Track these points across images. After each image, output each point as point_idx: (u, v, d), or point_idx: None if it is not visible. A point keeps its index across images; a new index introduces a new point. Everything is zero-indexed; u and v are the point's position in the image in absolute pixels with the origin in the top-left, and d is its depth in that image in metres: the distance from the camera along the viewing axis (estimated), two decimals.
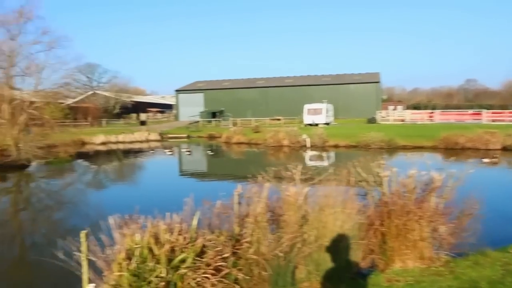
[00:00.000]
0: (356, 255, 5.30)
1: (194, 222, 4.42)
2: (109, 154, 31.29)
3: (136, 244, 4.05)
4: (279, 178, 5.84)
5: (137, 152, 32.26)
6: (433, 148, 24.46)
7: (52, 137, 23.86)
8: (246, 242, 4.50)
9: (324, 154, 25.44)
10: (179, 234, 4.20)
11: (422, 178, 5.72)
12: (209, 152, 30.49)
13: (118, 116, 68.64)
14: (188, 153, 29.20)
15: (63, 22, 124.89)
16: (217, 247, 4.27)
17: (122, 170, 23.36)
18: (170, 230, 4.23)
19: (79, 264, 4.09)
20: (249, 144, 33.02)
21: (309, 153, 25.91)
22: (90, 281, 4.01)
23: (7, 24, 21.61)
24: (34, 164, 21.47)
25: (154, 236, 4.18)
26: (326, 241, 4.93)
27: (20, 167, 20.30)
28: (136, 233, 4.20)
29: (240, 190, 4.95)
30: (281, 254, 4.50)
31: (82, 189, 16.58)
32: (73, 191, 16.25)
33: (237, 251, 4.48)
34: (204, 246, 4.22)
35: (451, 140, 24.66)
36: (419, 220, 5.38)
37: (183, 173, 21.47)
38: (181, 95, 66.51)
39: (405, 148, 25.13)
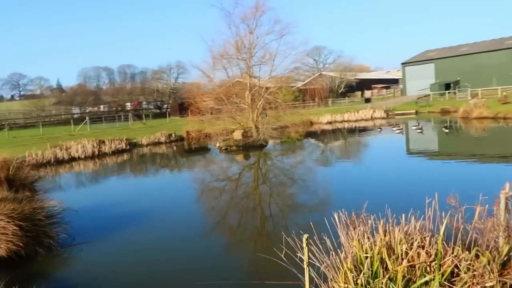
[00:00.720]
0: None
1: (441, 232, 3.35)
2: (335, 133, 31.93)
3: (365, 253, 3.34)
4: None
5: (362, 130, 31.72)
6: None
7: (284, 118, 25.99)
8: None
9: None
10: (420, 247, 3.24)
11: None
12: (444, 130, 26.87)
13: (343, 95, 70.09)
14: (419, 130, 26.52)
15: (289, 8, 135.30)
16: (475, 271, 3.11)
17: (347, 149, 23.28)
18: (408, 241, 3.31)
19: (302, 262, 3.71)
20: (495, 118, 27.60)
21: None
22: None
23: (247, 20, 24.36)
24: (270, 143, 23.88)
25: (387, 246, 3.36)
26: None
27: (259, 146, 22.98)
28: (365, 237, 3.49)
29: (508, 192, 3.52)
30: None
31: (310, 167, 17.28)
32: (302, 169, 17.15)
33: (506, 279, 3.18)
34: (456, 267, 3.14)
35: None
36: None
37: (415, 154, 19.45)
38: (408, 68, 62.11)
39: None
